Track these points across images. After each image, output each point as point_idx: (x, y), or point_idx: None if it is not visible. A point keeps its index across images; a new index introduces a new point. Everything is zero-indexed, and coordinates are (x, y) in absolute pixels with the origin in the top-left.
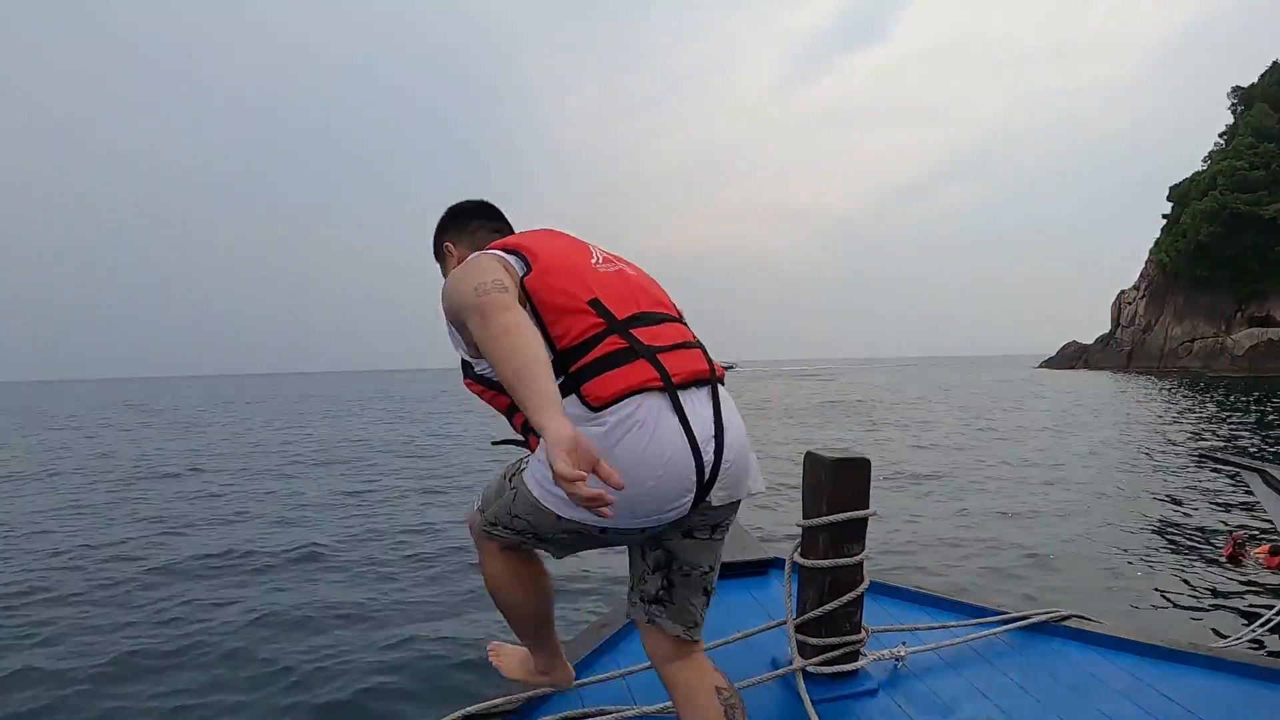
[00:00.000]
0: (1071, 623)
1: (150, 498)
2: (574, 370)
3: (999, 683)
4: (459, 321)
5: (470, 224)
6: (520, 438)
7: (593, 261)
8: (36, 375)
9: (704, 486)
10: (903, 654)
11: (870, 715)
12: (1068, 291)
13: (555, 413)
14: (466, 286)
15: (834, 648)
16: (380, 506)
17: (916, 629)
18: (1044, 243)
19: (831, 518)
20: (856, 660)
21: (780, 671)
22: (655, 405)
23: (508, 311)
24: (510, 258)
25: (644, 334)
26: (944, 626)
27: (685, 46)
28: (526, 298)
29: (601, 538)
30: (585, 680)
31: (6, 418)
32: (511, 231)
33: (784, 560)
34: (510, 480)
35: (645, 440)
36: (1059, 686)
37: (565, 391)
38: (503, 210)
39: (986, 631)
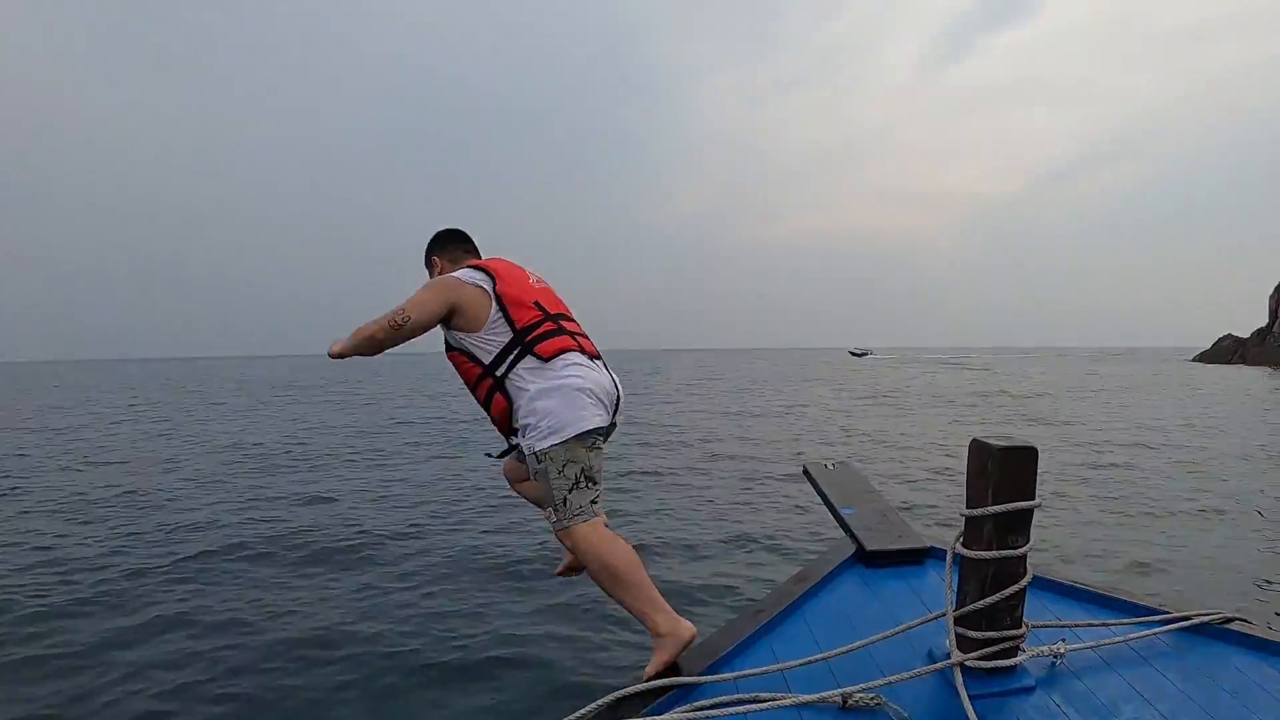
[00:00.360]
0: (1235, 626)
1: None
2: (528, 340)
3: (1159, 686)
4: (444, 308)
5: (449, 246)
6: (508, 445)
7: (531, 280)
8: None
9: (614, 409)
10: (1062, 651)
11: (1027, 714)
12: (1223, 282)
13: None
14: (442, 293)
15: (993, 642)
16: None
17: (1076, 626)
18: (1198, 230)
19: (997, 508)
20: (1015, 656)
21: (938, 665)
22: (583, 358)
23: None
24: (479, 274)
25: (565, 324)
26: (1103, 624)
27: (821, 27)
28: (496, 297)
29: (601, 447)
30: (744, 672)
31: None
32: (478, 252)
33: (940, 550)
34: (540, 466)
35: (587, 373)
36: (1221, 693)
37: (521, 354)
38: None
39: (1147, 631)
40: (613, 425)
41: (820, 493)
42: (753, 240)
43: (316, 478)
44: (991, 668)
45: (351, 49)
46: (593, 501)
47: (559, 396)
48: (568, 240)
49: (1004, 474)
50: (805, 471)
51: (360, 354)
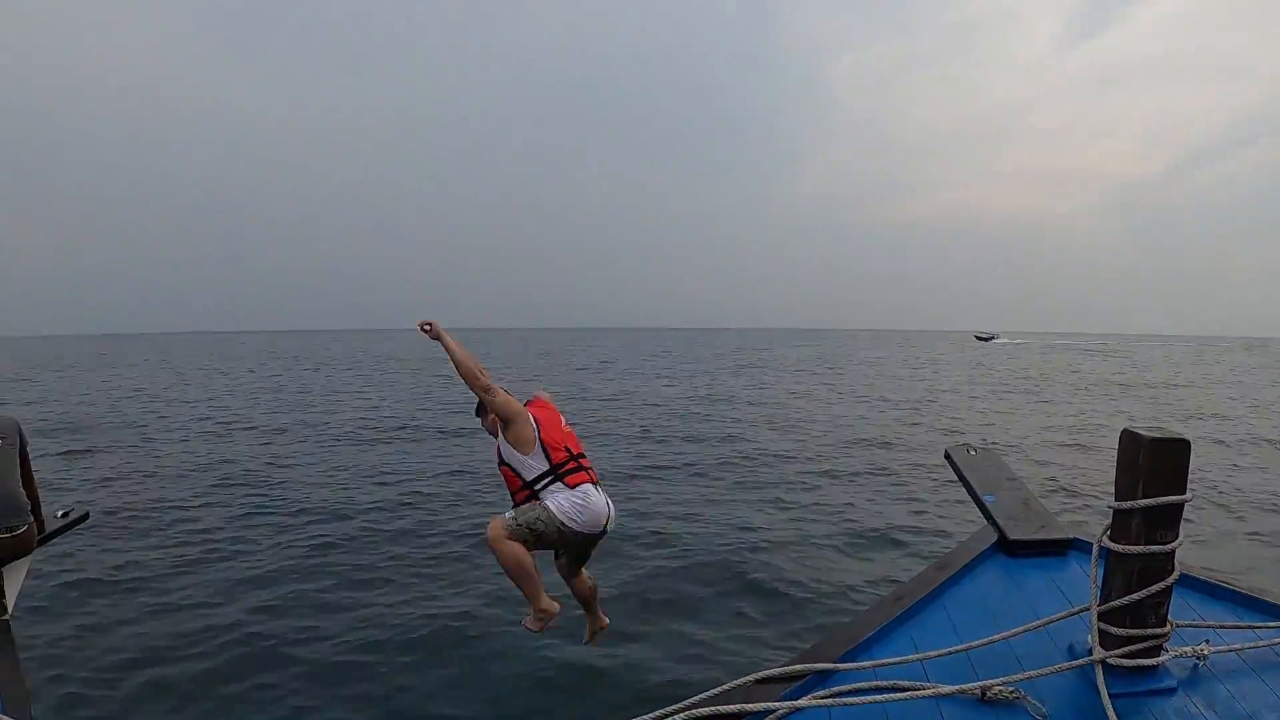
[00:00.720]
0: None
1: None
2: (561, 472)
3: None
4: (512, 417)
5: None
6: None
7: (563, 425)
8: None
9: (606, 523)
10: (1205, 653)
11: (1167, 716)
12: None
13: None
14: (518, 412)
15: (1137, 640)
16: None
17: (1221, 627)
18: None
19: (1146, 501)
20: (1158, 656)
21: (1079, 662)
22: (592, 488)
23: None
24: (532, 418)
25: (583, 462)
26: (1250, 627)
27: (953, 2)
28: (540, 438)
29: (571, 539)
30: (883, 660)
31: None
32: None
33: (1084, 541)
34: (537, 507)
35: (593, 501)
36: None
37: (554, 480)
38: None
39: None
40: (603, 533)
41: (962, 478)
42: (882, 220)
43: None
44: (1133, 666)
45: (479, 40)
46: (526, 541)
47: (577, 507)
48: (694, 217)
49: (1154, 466)
50: (947, 456)
51: (455, 360)
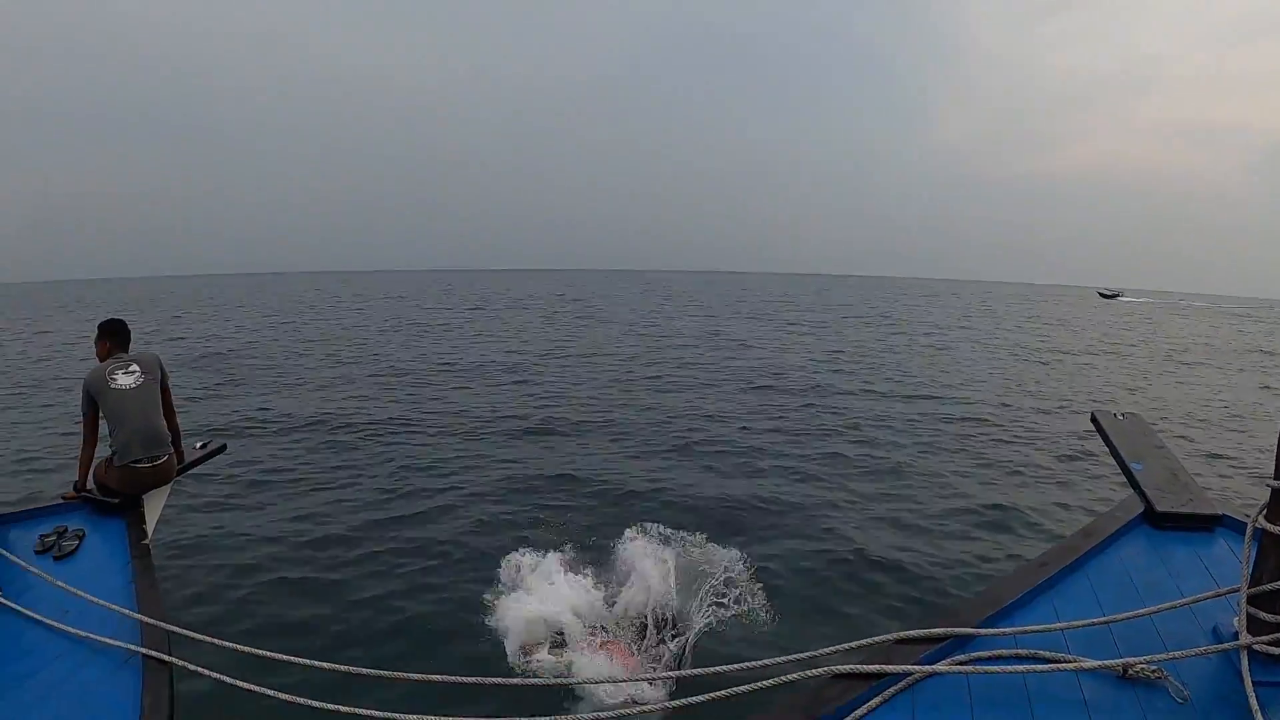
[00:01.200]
0: None
1: None
2: None
3: None
4: None
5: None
6: None
7: None
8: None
9: None
10: None
11: None
12: None
13: None
14: None
15: None
16: None
17: None
18: None
19: None
20: None
21: (1224, 646)
22: None
23: None
24: None
25: None
26: None
27: None
28: None
29: None
30: (1025, 628)
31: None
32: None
33: (1234, 519)
34: None
35: None
36: None
37: None
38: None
39: None
40: None
41: (1109, 443)
42: (1017, 173)
43: None
44: None
45: None
46: None
47: None
48: (825, 163)
49: None
50: (1094, 419)
51: None
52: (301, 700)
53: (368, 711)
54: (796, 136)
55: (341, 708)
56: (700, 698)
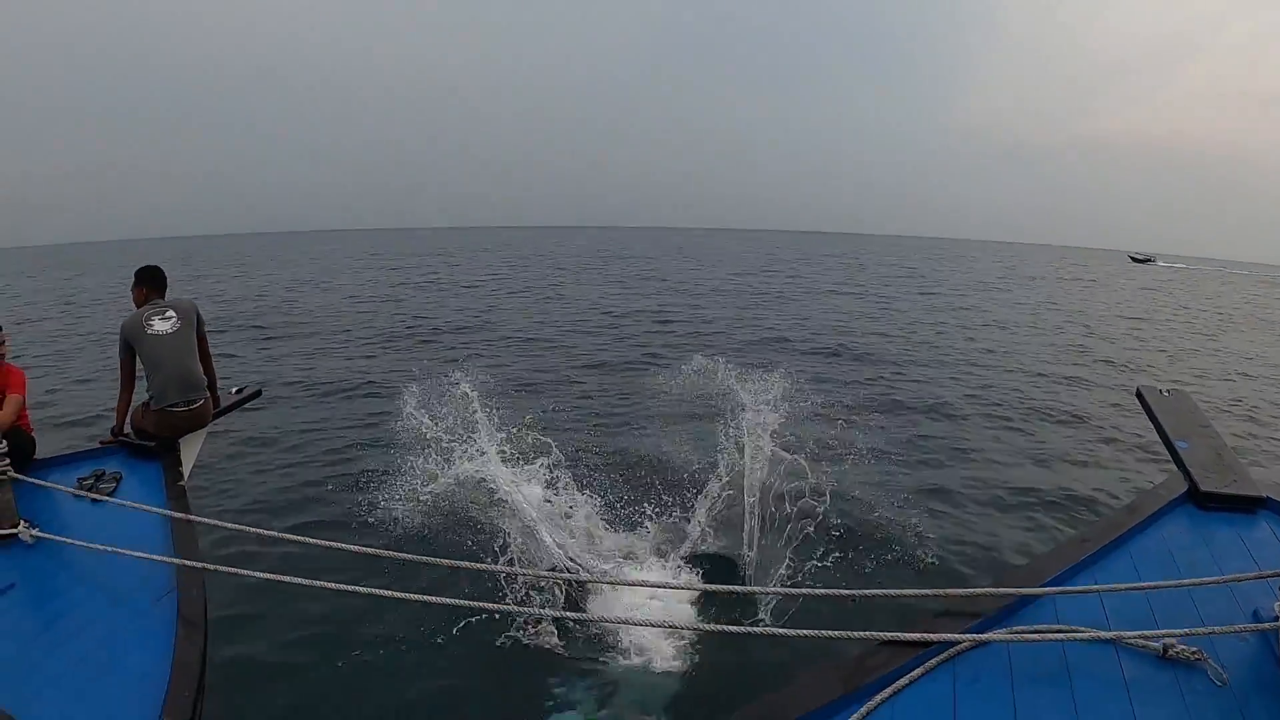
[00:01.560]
0: None
1: None
2: None
3: None
4: None
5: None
6: None
7: None
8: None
9: None
10: None
11: None
12: None
13: None
14: None
15: None
16: None
17: None
18: None
19: None
20: None
21: (1263, 626)
22: None
23: None
24: None
25: None
26: None
27: None
28: None
29: None
30: (1065, 588)
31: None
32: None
33: (1275, 501)
34: None
35: None
36: None
37: None
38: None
39: None
40: None
41: (1154, 420)
42: (1061, 140)
43: None
44: None
45: None
46: None
47: None
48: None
49: None
50: (1139, 395)
51: None
52: (336, 586)
53: (405, 594)
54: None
55: (378, 591)
56: (746, 628)
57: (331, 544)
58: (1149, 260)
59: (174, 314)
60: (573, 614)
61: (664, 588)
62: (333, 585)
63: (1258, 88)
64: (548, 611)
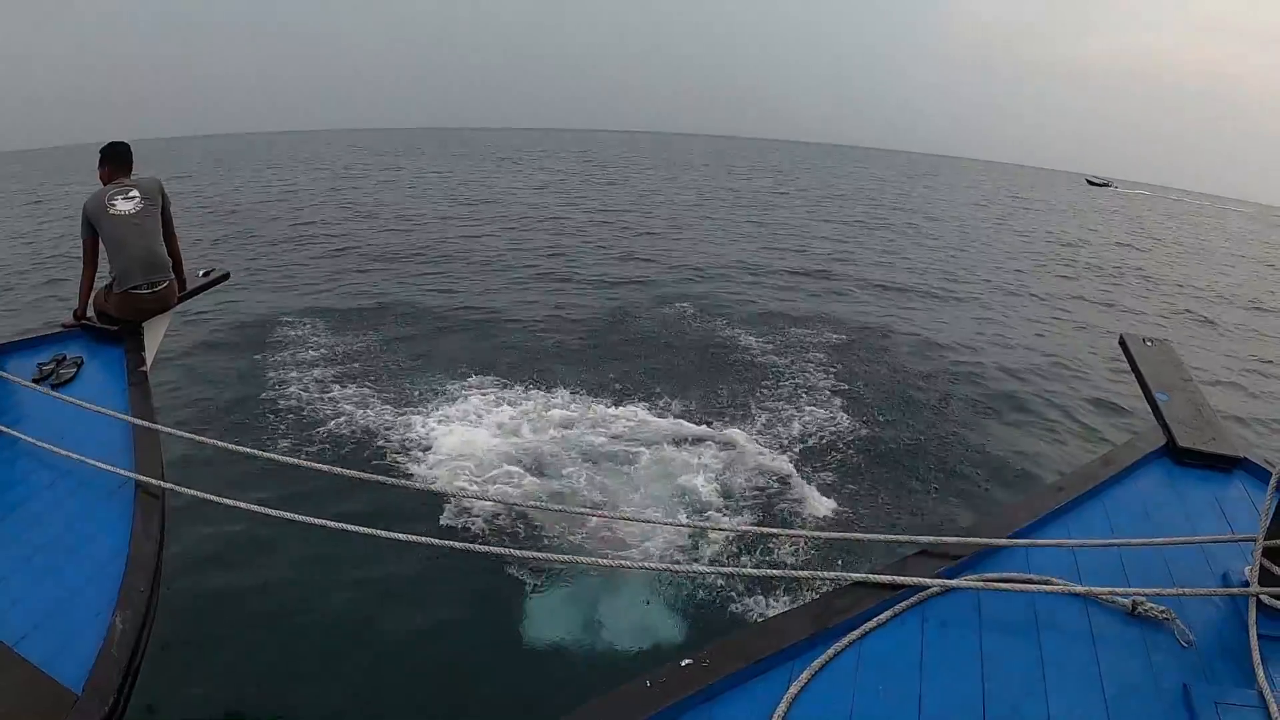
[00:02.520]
0: None
1: None
2: None
3: None
4: None
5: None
6: None
7: None
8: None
9: None
10: None
11: None
12: None
13: None
14: None
15: None
16: None
17: None
18: None
19: None
20: None
21: (1233, 590)
22: None
23: None
24: None
25: None
26: None
27: None
28: None
29: None
30: (1036, 540)
31: None
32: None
33: (1254, 464)
34: None
35: None
36: None
37: None
38: None
39: None
40: None
41: (1135, 369)
42: (1054, 57)
43: None
44: None
45: None
46: None
47: None
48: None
49: None
50: (1122, 343)
51: None
52: (291, 515)
53: (352, 526)
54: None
55: (329, 523)
56: (718, 569)
57: (302, 463)
58: (1106, 184)
59: (137, 193)
60: (545, 554)
61: (637, 521)
62: (297, 517)
63: (1246, 22)
64: (530, 553)
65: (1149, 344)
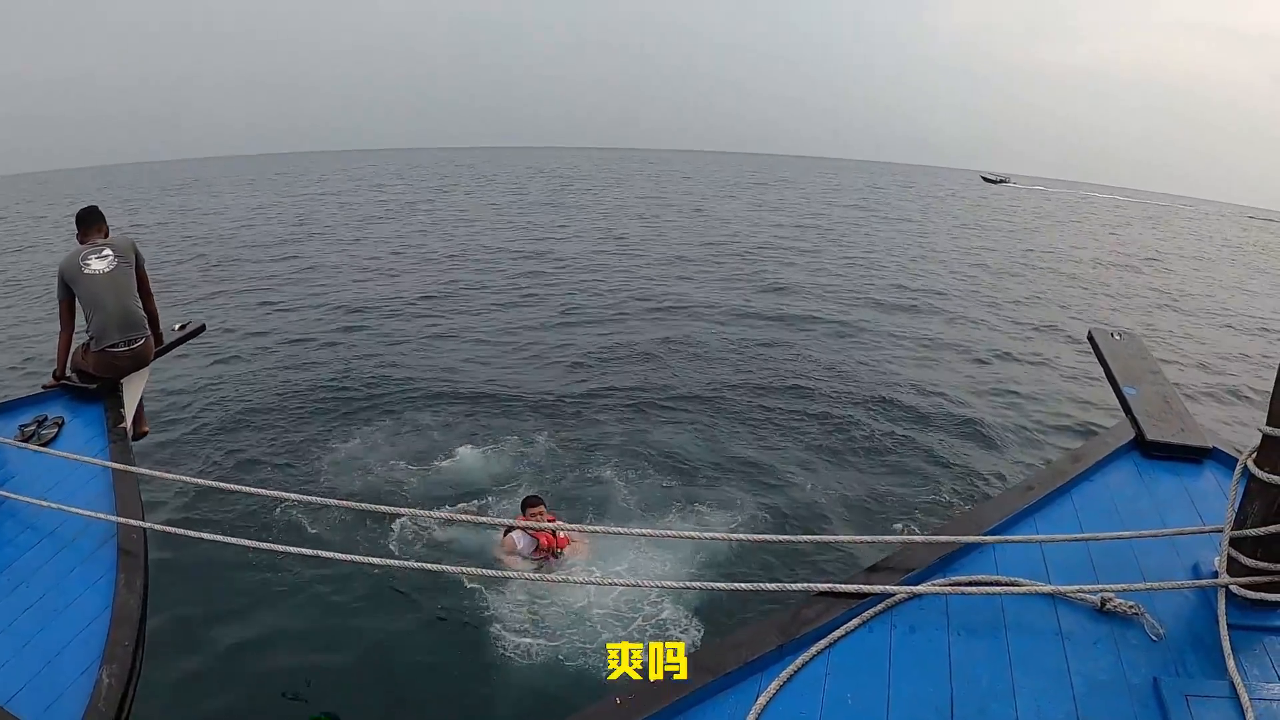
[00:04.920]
0: None
1: None
2: None
3: None
4: None
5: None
6: None
7: None
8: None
9: None
10: None
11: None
12: None
13: None
14: None
15: (1265, 573)
16: None
17: None
18: None
19: None
20: None
21: (1200, 582)
22: None
23: None
24: None
25: None
26: None
27: None
28: None
29: None
30: (1005, 537)
31: None
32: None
33: (1223, 453)
34: None
35: None
36: None
37: None
38: None
39: None
40: None
41: (1103, 363)
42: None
43: None
44: (1257, 599)
45: None
46: None
47: None
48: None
49: None
50: (1090, 337)
51: None
52: (276, 547)
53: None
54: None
55: (321, 552)
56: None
57: (278, 494)
58: (1003, 181)
59: (110, 252)
60: (510, 572)
61: (601, 533)
62: (278, 548)
63: (1236, 22)
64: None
65: (1117, 337)
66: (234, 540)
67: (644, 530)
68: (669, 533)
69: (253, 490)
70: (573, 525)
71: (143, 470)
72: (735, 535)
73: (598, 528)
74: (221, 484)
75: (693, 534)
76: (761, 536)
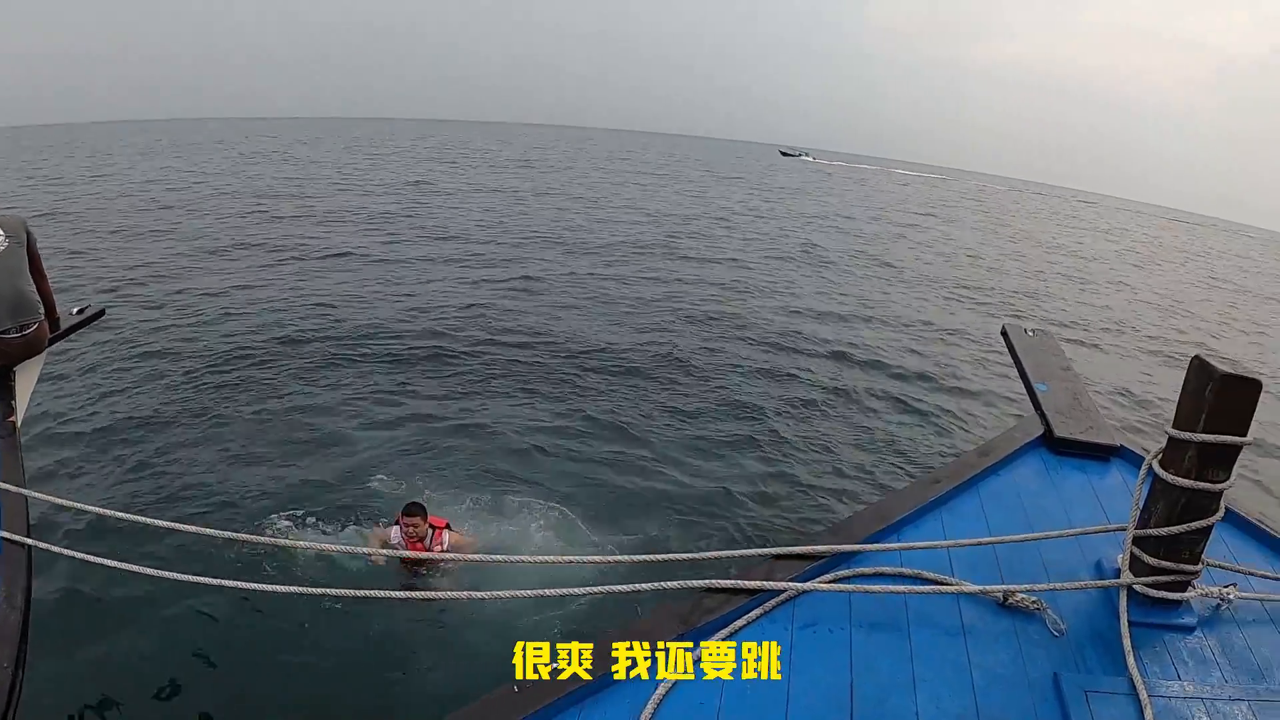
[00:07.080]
0: None
1: None
2: None
3: None
4: None
5: None
6: None
7: None
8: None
9: None
10: (1230, 596)
11: (1180, 653)
12: None
13: None
14: None
15: (1166, 572)
16: None
17: (1251, 574)
18: None
19: (1207, 436)
20: (1184, 591)
21: (1103, 582)
22: None
23: None
24: None
25: None
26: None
27: None
28: None
29: None
30: (911, 544)
31: None
32: None
33: (1130, 451)
34: None
35: None
36: None
37: None
38: None
39: None
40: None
41: (1016, 359)
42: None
43: None
44: (1158, 598)
45: None
46: None
47: None
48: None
49: (1221, 402)
50: (1004, 333)
51: None
52: (167, 574)
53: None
54: None
55: (207, 579)
56: (582, 590)
57: (175, 526)
58: (799, 155)
59: (0, 232)
60: (415, 594)
61: (500, 562)
62: (169, 575)
63: (1164, 27)
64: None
65: (1031, 334)
66: (130, 567)
67: (522, 558)
68: (545, 559)
69: (151, 521)
70: (449, 554)
71: (33, 494)
72: (638, 557)
73: (472, 556)
74: (104, 510)
75: (574, 558)
76: (669, 556)
